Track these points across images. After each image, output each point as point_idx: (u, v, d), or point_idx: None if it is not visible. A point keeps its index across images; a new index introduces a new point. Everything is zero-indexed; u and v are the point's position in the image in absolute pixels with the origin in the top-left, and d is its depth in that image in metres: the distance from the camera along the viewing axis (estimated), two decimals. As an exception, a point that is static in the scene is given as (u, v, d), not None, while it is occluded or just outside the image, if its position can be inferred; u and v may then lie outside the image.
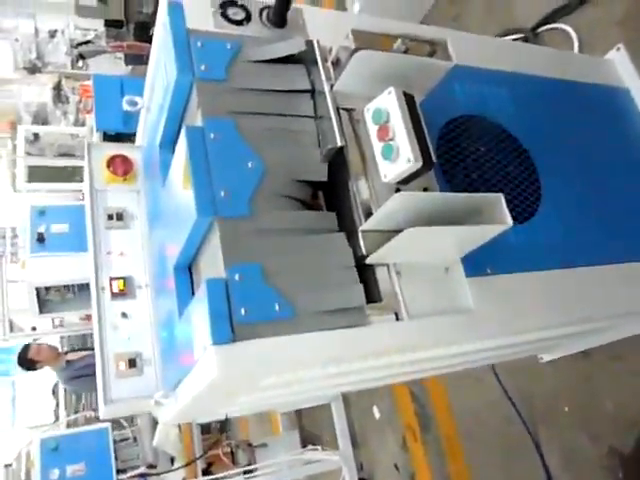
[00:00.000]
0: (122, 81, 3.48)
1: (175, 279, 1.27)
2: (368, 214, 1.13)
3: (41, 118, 7.28)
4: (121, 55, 6.26)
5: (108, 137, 3.97)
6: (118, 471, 3.13)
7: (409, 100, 1.08)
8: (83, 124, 6.59)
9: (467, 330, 1.19)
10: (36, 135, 6.41)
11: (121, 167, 1.58)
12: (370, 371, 1.34)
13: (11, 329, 3.96)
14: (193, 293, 1.27)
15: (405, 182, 1.10)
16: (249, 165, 1.09)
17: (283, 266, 1.04)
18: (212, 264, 1.09)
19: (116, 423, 3.81)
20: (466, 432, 2.88)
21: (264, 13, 1.30)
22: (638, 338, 1.84)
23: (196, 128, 1.09)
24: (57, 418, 6.05)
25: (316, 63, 1.23)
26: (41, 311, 3.38)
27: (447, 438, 3.02)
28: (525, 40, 2.40)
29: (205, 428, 4.96)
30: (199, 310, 1.00)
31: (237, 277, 0.99)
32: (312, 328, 1.01)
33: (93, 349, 1.45)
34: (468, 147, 1.40)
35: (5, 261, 4.69)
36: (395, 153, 1.04)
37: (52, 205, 3.38)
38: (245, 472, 3.65)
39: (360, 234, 1.09)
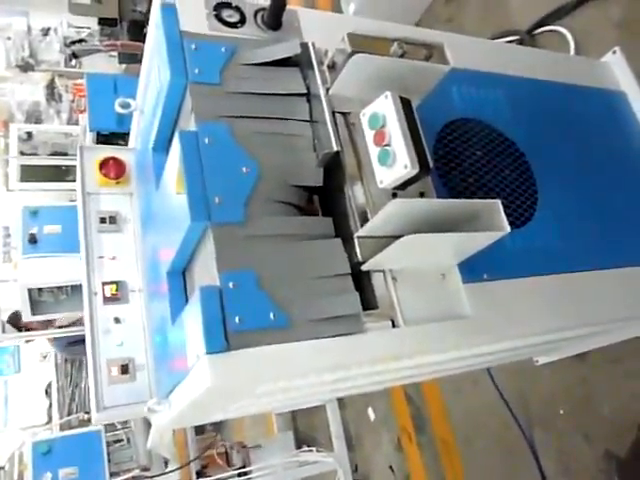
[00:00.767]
0: (115, 80, 3.47)
1: (168, 284, 1.25)
2: (364, 220, 1.12)
3: (34, 117, 7.23)
4: (115, 53, 6.23)
5: (102, 136, 3.95)
6: (111, 474, 3.11)
7: (406, 105, 1.06)
8: (77, 123, 6.55)
9: (464, 336, 1.18)
10: (29, 134, 6.37)
11: (114, 170, 1.56)
12: (366, 377, 1.33)
13: (3, 330, 3.93)
14: (186, 299, 1.25)
15: (402, 187, 1.09)
16: (244, 170, 1.08)
17: (278, 273, 1.02)
18: (206, 270, 1.07)
19: (109, 425, 3.78)
20: (461, 434, 2.88)
21: (259, 15, 1.28)
22: (635, 341, 1.84)
23: (190, 133, 1.07)
24: (50, 419, 6.00)
25: (312, 66, 1.22)
26: (34, 312, 3.34)
27: (442, 440, 3.02)
28: (521, 42, 2.39)
29: (199, 428, 4.94)
30: (193, 318, 0.98)
31: (231, 284, 0.98)
32: (307, 336, 1.00)
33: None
34: (465, 151, 1.39)
35: (-3, 260, 4.65)
36: (392, 159, 1.03)
37: (44, 206, 3.34)
38: (239, 474, 3.64)
39: (356, 240, 1.08)
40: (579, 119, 1.68)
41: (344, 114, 1.23)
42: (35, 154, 6.25)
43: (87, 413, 4.29)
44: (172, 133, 1.29)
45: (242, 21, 1.26)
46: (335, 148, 1.12)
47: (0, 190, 6.34)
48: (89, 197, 1.53)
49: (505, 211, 1.06)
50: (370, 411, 3.65)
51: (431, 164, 1.03)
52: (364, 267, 1.09)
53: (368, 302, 1.10)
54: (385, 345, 1.09)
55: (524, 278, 1.31)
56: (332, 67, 1.20)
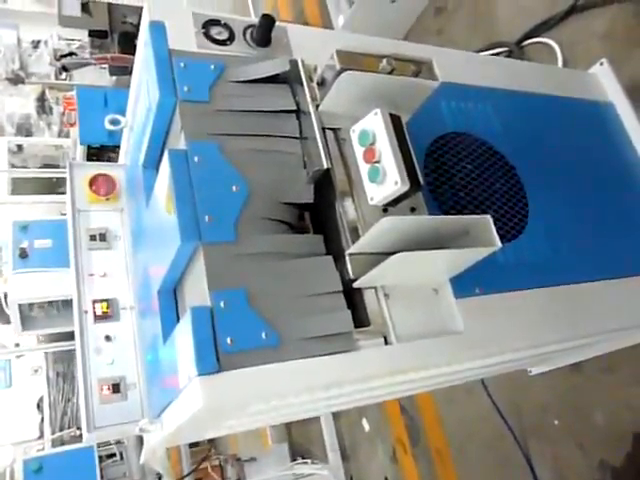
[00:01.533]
0: (106, 93, 3.46)
1: (159, 303, 1.24)
2: (355, 236, 1.12)
3: (24, 129, 7.21)
4: (105, 65, 6.22)
5: (92, 148, 3.93)
6: (104, 490, 3.08)
7: (395, 121, 1.06)
8: (67, 135, 6.53)
9: (457, 352, 1.18)
10: (19, 146, 6.35)
11: (104, 187, 1.55)
12: (360, 393, 1.32)
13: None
14: (178, 317, 1.25)
15: (393, 204, 1.09)
16: (234, 188, 1.07)
17: (269, 292, 1.02)
18: (197, 290, 1.07)
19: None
20: (456, 444, 2.87)
21: (248, 32, 1.28)
22: (628, 350, 1.84)
23: (179, 152, 1.07)
24: (42, 433, 5.94)
25: (301, 83, 1.22)
26: (24, 328, 3.31)
27: (437, 451, 3.01)
28: (509, 54, 2.41)
29: (193, 442, 4.90)
30: (184, 339, 0.98)
31: (222, 304, 0.97)
32: (299, 355, 0.99)
33: None
34: (455, 165, 1.39)
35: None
36: (382, 176, 1.03)
37: (35, 220, 3.32)
38: (234, 488, 3.61)
39: (347, 258, 1.07)
40: (568, 131, 1.69)
41: (334, 130, 1.23)
42: (26, 167, 6.22)
43: (79, 428, 4.25)
44: (162, 151, 1.28)
45: (231, 38, 1.26)
46: (325, 165, 1.12)
47: (-10, 203, 6.29)
48: (79, 214, 1.52)
49: (496, 225, 1.06)
50: (364, 422, 3.63)
51: (421, 180, 1.04)
52: (356, 284, 1.08)
53: (360, 319, 1.09)
54: (378, 362, 1.08)
55: (516, 291, 1.31)
56: (321, 84, 1.20)
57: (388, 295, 1.13)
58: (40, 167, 6.22)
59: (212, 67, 1.18)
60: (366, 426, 3.62)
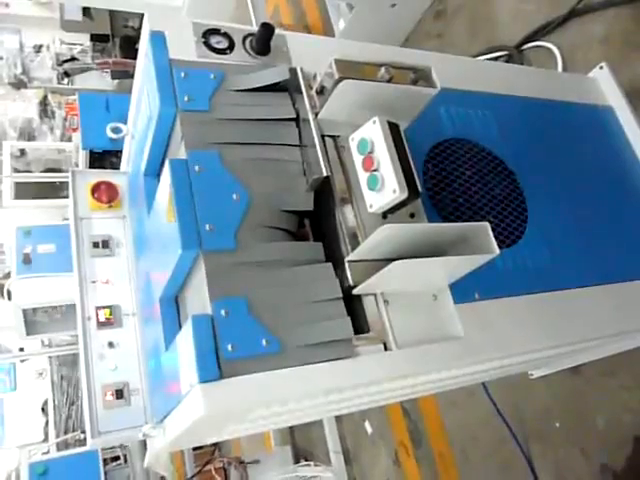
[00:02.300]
0: (107, 98, 3.48)
1: (161, 310, 1.25)
2: (355, 243, 1.13)
3: (27, 133, 7.24)
4: (107, 69, 6.25)
5: (95, 153, 3.95)
6: (109, 495, 3.10)
7: (394, 129, 1.07)
8: (70, 139, 6.56)
9: (457, 357, 1.19)
10: (22, 151, 6.37)
11: (106, 194, 1.56)
12: (361, 398, 1.33)
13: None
14: (180, 324, 1.26)
15: (391, 211, 1.10)
16: (234, 197, 1.08)
17: (270, 300, 1.03)
18: (198, 298, 1.08)
19: (106, 443, 3.75)
20: (458, 447, 2.87)
21: (247, 41, 1.29)
22: (629, 354, 1.85)
23: (180, 161, 1.08)
24: (46, 437, 5.96)
25: (300, 91, 1.23)
26: (28, 332, 3.33)
27: (439, 453, 3.01)
28: (509, 58, 2.41)
29: (197, 445, 4.91)
30: (185, 346, 0.99)
31: (223, 312, 0.98)
32: (300, 362, 1.00)
33: None
34: (454, 171, 1.40)
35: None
36: (380, 184, 1.04)
37: (38, 225, 3.34)
38: (238, 491, 3.62)
39: (347, 265, 1.08)
40: (568, 135, 1.70)
41: (334, 137, 1.24)
42: (29, 171, 6.24)
43: (84, 432, 4.26)
44: (163, 159, 1.30)
45: (231, 47, 1.27)
46: (325, 173, 1.13)
47: (-6, 208, 6.32)
48: (81, 222, 1.53)
49: (495, 230, 1.08)
50: (367, 425, 3.64)
51: (420, 188, 1.05)
52: (355, 291, 1.10)
53: (360, 326, 1.10)
54: (378, 368, 1.09)
55: (516, 297, 1.32)
56: (320, 92, 1.21)
57: (388, 301, 1.14)
58: (43, 171, 6.24)
59: (212, 76, 1.19)
60: (369, 429, 3.63)
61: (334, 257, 1.14)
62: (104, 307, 1.46)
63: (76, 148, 5.16)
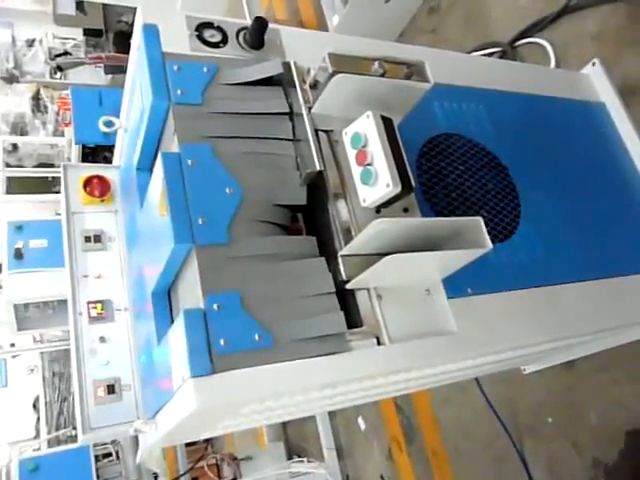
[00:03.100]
0: (100, 93, 3.45)
1: (153, 305, 1.25)
2: (348, 237, 1.12)
3: (19, 128, 7.19)
4: (100, 64, 6.21)
5: (88, 148, 3.93)
6: (100, 490, 3.09)
7: (387, 124, 1.07)
8: (63, 134, 6.52)
9: (450, 352, 1.19)
10: (14, 145, 6.33)
11: (98, 188, 1.56)
12: (354, 393, 1.33)
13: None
14: (172, 319, 1.25)
15: (385, 205, 1.10)
16: (227, 191, 1.08)
17: (262, 294, 1.02)
18: (190, 292, 1.07)
19: (98, 439, 3.74)
20: (452, 443, 2.88)
21: (241, 35, 1.29)
22: (621, 349, 1.86)
23: (173, 154, 1.07)
24: (38, 433, 5.94)
25: (294, 85, 1.23)
26: (20, 328, 3.31)
27: (433, 449, 3.02)
28: (503, 54, 2.42)
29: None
30: (177, 341, 0.98)
31: (215, 306, 0.98)
32: (292, 356, 1.00)
33: None
34: (448, 166, 1.40)
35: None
36: (374, 178, 1.04)
37: (30, 220, 3.31)
38: (231, 487, 3.62)
39: (340, 259, 1.08)
40: (560, 131, 1.70)
41: (327, 132, 1.24)
42: (21, 166, 6.20)
43: (75, 428, 4.25)
44: (156, 153, 1.29)
45: (224, 41, 1.26)
46: (318, 167, 1.12)
47: (-14, 203, 6.28)
48: (73, 216, 1.52)
49: (488, 225, 1.08)
50: (360, 420, 3.65)
51: (413, 183, 1.04)
52: (348, 286, 1.09)
53: (353, 320, 1.10)
54: (371, 363, 1.09)
55: (509, 292, 1.32)
56: (314, 86, 1.21)
57: (381, 296, 1.14)
58: (35, 166, 6.20)
59: (205, 70, 1.18)
60: (362, 425, 3.63)
61: (327, 251, 1.13)
62: (96, 302, 1.46)
63: (69, 143, 5.13)
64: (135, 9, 1.23)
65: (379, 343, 1.11)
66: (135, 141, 1.32)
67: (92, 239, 1.51)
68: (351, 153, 1.09)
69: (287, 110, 1.20)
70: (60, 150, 6.22)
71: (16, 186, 5.83)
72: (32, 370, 6.29)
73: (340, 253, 1.08)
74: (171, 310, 1.28)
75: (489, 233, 1.06)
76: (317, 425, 3.91)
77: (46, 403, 5.74)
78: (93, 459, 2.95)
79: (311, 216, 1.22)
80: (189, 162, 1.07)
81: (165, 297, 1.27)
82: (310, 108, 1.20)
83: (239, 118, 1.17)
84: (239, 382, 0.95)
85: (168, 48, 1.18)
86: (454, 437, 2.86)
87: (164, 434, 1.18)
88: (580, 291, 1.44)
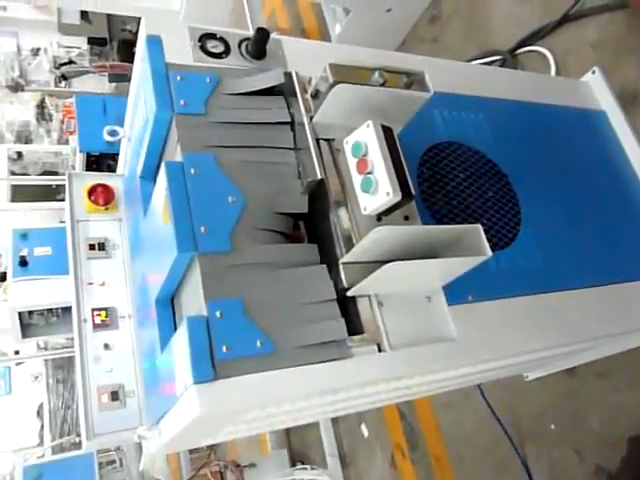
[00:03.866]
0: (105, 101, 3.48)
1: (157, 312, 1.26)
2: (349, 245, 1.14)
3: (24, 136, 7.24)
4: (105, 73, 6.26)
5: (92, 156, 3.95)
6: (104, 498, 3.09)
7: (387, 133, 1.08)
8: (67, 142, 6.56)
9: (451, 359, 1.20)
10: (19, 153, 6.37)
11: (102, 196, 1.58)
12: (356, 400, 1.34)
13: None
14: (175, 326, 1.26)
15: (385, 213, 1.11)
16: (230, 200, 1.09)
17: (264, 301, 1.04)
18: (193, 299, 1.09)
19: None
20: (454, 449, 2.88)
21: (243, 45, 1.31)
22: (623, 355, 1.86)
23: (176, 164, 1.09)
24: (42, 440, 5.94)
25: (295, 95, 1.24)
26: (24, 335, 3.32)
27: (436, 456, 3.02)
28: (503, 62, 2.43)
29: (193, 448, 4.90)
30: (180, 348, 0.99)
31: (218, 314, 0.99)
32: (294, 363, 1.01)
33: None
34: (448, 174, 1.42)
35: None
36: (374, 186, 1.05)
37: (34, 228, 3.32)
38: (234, 494, 3.62)
39: (341, 266, 1.09)
40: (560, 139, 1.71)
41: (328, 140, 1.25)
42: (25, 174, 6.24)
43: (79, 435, 4.25)
44: (159, 162, 1.31)
45: (227, 51, 1.28)
46: (319, 176, 1.14)
47: (-9, 211, 6.31)
48: (78, 224, 1.54)
49: (488, 232, 1.09)
50: (363, 427, 3.64)
51: (413, 191, 1.06)
52: (349, 293, 1.10)
53: (354, 327, 1.11)
54: (372, 369, 1.10)
55: (509, 299, 1.33)
56: (315, 96, 1.22)
57: (381, 303, 1.15)
58: (40, 174, 6.24)
59: (208, 80, 1.20)
60: (365, 431, 3.63)
61: (328, 259, 1.14)
62: (100, 309, 1.47)
63: (73, 151, 5.16)
64: (139, 18, 1.25)
65: (380, 350, 1.12)
66: (139, 150, 1.34)
67: (96, 247, 1.53)
68: (352, 162, 1.11)
69: (289, 119, 1.22)
70: (64, 158, 6.26)
71: (21, 194, 5.87)
72: (36, 377, 6.30)
73: (341, 260, 1.10)
74: (174, 317, 1.29)
75: (489, 240, 1.07)
76: (320, 432, 3.91)
77: (50, 410, 5.74)
78: (97, 466, 2.95)
79: (312, 224, 1.23)
80: (192, 171, 1.09)
81: (168, 304, 1.29)
82: (311, 117, 1.22)
83: (241, 128, 1.19)
84: (241, 388, 0.96)
85: (171, 59, 1.20)
86: (456, 443, 2.85)
87: (167, 441, 1.19)
88: (580, 298, 1.44)
